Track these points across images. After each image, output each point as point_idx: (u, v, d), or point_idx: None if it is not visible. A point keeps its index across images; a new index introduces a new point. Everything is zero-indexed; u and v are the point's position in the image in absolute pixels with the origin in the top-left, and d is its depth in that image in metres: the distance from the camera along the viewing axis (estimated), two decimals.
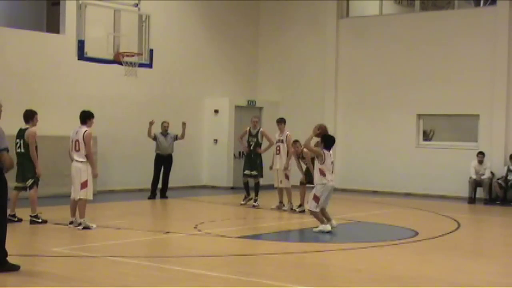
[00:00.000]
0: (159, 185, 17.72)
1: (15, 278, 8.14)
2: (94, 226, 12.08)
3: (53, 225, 12.41)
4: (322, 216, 12.42)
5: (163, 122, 17.68)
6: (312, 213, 12.46)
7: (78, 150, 12.00)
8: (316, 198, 12.26)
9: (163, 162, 17.65)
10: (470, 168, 18.97)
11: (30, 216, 12.47)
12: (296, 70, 22.74)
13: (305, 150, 14.75)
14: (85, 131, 12.04)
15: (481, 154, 18.94)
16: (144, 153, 18.86)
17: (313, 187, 15.02)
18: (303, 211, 14.92)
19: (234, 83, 22.79)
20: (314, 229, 12.43)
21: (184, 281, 8.24)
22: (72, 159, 12.13)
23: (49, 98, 17.52)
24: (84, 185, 11.99)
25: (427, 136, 20.84)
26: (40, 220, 12.48)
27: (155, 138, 17.49)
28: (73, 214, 12.21)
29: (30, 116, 12.54)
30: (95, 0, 14.36)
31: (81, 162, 11.99)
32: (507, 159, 18.84)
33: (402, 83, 20.93)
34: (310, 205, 12.39)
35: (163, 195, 17.66)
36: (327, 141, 12.34)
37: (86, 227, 11.91)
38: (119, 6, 14.74)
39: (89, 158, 12.07)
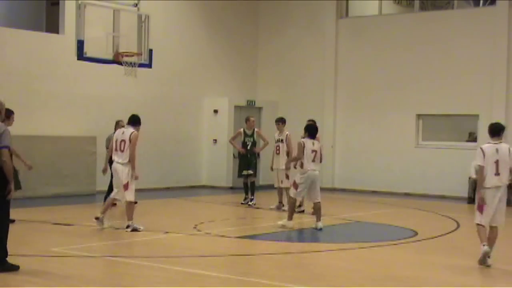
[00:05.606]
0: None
1: (14, 278, 8.14)
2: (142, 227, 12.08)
3: (52, 225, 12.41)
4: (294, 210, 12.92)
5: (119, 121, 15.02)
6: (289, 199, 12.99)
7: (122, 151, 12.08)
8: (295, 185, 12.68)
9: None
10: (471, 167, 18.92)
11: None
12: (295, 70, 22.72)
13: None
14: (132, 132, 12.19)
15: None
16: (143, 153, 18.82)
17: None
18: (303, 211, 14.92)
19: (234, 83, 22.78)
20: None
21: (183, 281, 8.25)
22: (113, 160, 12.12)
23: (48, 98, 17.51)
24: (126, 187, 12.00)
25: (473, 138, 20.52)
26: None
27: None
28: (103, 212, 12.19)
29: (6, 116, 11.98)
30: (94, 0, 14.38)
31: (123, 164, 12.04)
32: None
33: (401, 83, 20.92)
34: (290, 191, 12.94)
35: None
36: (310, 130, 12.92)
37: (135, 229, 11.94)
38: (119, 6, 14.76)
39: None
